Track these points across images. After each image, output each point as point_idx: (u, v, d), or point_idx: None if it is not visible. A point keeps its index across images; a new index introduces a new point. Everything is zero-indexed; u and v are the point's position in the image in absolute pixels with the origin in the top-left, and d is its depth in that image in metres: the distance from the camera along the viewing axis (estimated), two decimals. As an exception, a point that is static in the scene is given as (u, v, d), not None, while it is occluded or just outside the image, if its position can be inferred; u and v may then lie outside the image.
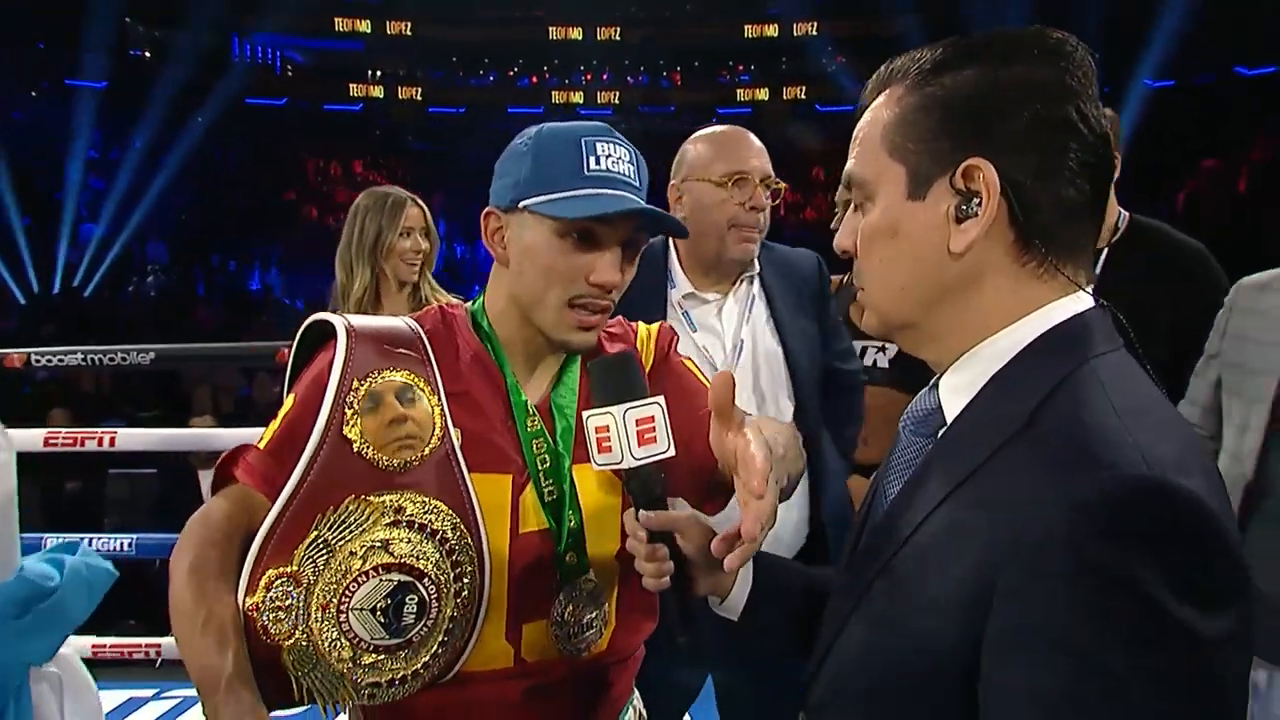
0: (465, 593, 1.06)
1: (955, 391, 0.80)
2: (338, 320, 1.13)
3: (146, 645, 2.74)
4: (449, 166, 22.40)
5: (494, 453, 1.12)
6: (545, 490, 1.14)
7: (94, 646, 2.73)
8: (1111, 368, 0.74)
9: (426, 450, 1.07)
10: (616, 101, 27.38)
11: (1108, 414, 0.69)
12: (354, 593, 1.02)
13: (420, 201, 2.64)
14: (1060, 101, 0.75)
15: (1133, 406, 0.70)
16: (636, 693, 1.29)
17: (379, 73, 27.59)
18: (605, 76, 28.59)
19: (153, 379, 7.08)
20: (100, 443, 2.74)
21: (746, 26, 27.56)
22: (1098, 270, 2.15)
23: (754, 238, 1.87)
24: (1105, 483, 0.64)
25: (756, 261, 1.93)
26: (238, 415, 5.84)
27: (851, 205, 0.86)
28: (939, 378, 0.83)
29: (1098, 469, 0.65)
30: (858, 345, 2.22)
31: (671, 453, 1.03)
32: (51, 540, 2.80)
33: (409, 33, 27.52)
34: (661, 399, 1.03)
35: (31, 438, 2.85)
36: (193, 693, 0.96)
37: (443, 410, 1.10)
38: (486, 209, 1.16)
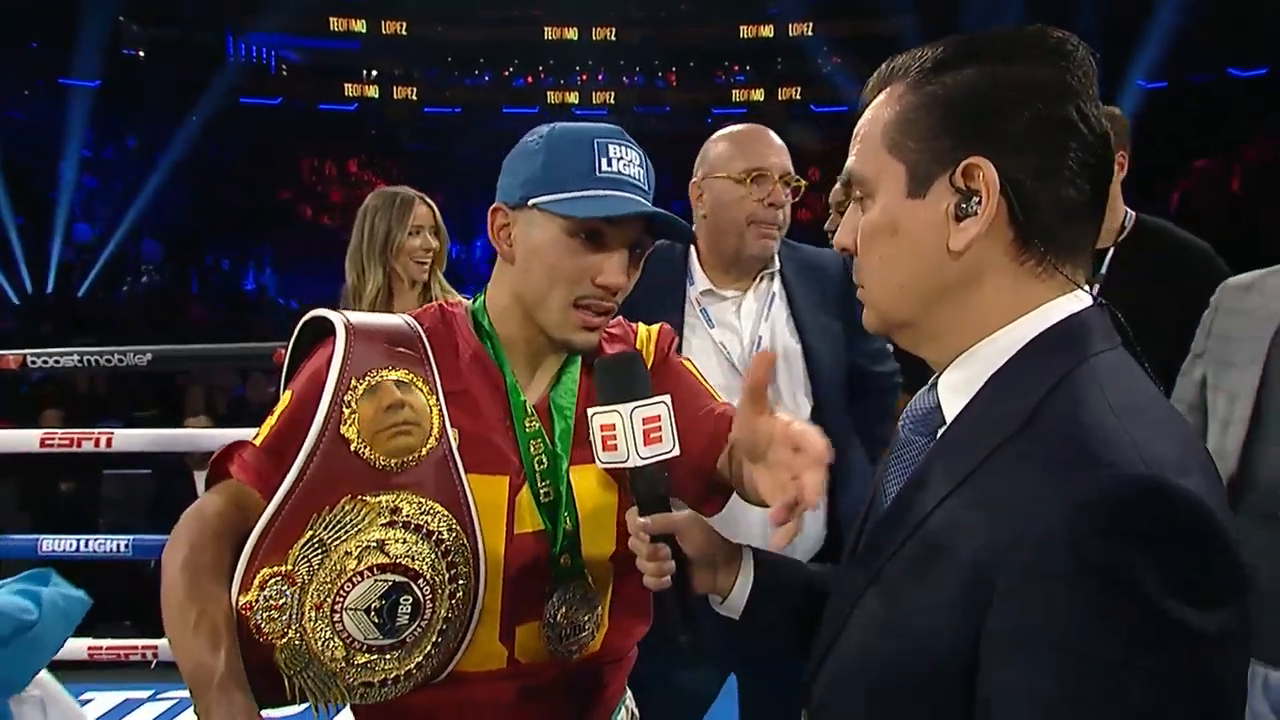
0: (460, 594, 1.06)
1: (954, 390, 0.80)
2: (336, 317, 1.13)
3: (143, 647, 2.73)
4: (444, 166, 22.36)
5: (492, 453, 1.12)
6: (541, 491, 1.14)
7: (90, 648, 2.73)
8: (1110, 366, 0.74)
9: (424, 451, 1.07)
10: (612, 102, 27.36)
11: (1106, 413, 0.69)
12: (348, 593, 1.02)
13: (429, 200, 2.64)
14: (1061, 101, 0.75)
15: (1131, 405, 0.71)
16: (629, 693, 1.29)
17: (374, 72, 27.53)
18: (601, 77, 28.56)
19: (148, 379, 7.06)
20: (97, 443, 2.73)
21: (742, 27, 27.54)
22: (1104, 269, 2.16)
23: (773, 234, 1.88)
24: (1104, 482, 0.64)
25: (777, 259, 1.94)
26: (233, 415, 5.83)
27: (851, 203, 0.86)
28: (938, 376, 0.84)
29: (1096, 468, 0.65)
30: None
31: (677, 452, 1.03)
32: (48, 542, 2.82)
33: (404, 32, 27.46)
34: (668, 398, 1.04)
35: (28, 438, 2.86)
36: (188, 694, 0.95)
37: (441, 410, 1.10)
38: (494, 205, 1.16)
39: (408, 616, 1.04)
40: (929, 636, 0.71)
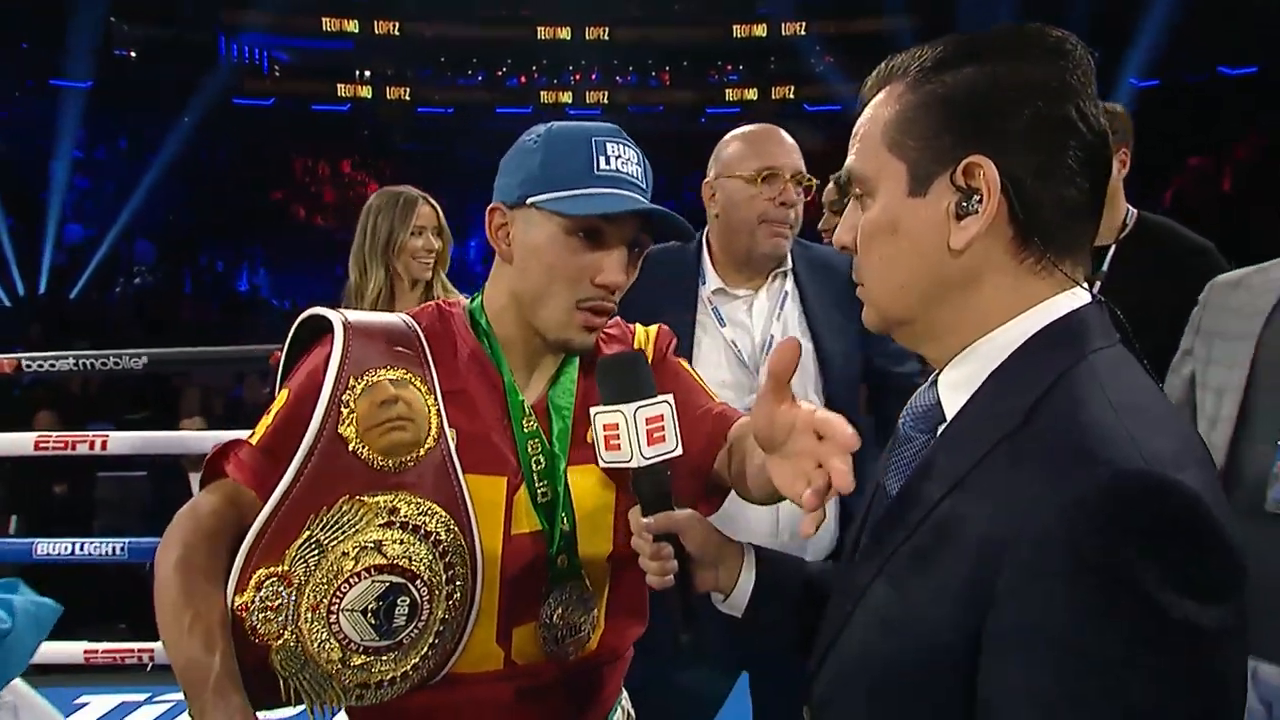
0: (457, 595, 1.06)
1: (954, 387, 0.80)
2: (334, 316, 1.12)
3: (139, 650, 2.72)
4: (437, 167, 22.34)
5: (489, 453, 1.11)
6: (539, 491, 1.13)
7: (86, 652, 2.71)
8: (1108, 363, 0.75)
9: (422, 451, 1.06)
10: (605, 101, 27.38)
11: (1105, 409, 0.69)
12: (345, 594, 1.01)
13: (432, 201, 2.64)
14: (1061, 100, 0.75)
15: (1129, 402, 0.71)
16: (625, 693, 1.29)
17: (367, 73, 27.50)
18: (594, 76, 28.59)
19: (142, 381, 7.03)
20: (92, 446, 2.72)
21: (735, 26, 27.60)
22: (1105, 267, 2.17)
23: (785, 233, 1.89)
24: (1102, 480, 0.64)
25: (790, 258, 1.95)
26: (228, 417, 5.82)
27: (851, 201, 0.86)
28: (938, 374, 0.84)
29: (1094, 466, 0.65)
30: None
31: (679, 452, 1.03)
32: (43, 546, 2.80)
33: (397, 33, 27.44)
34: (670, 398, 1.04)
35: (22, 441, 2.84)
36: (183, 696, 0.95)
37: (439, 410, 1.09)
38: (491, 204, 1.16)
39: (405, 618, 1.03)
40: (930, 633, 0.71)
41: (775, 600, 1.04)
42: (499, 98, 27.37)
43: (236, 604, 0.99)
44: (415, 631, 1.04)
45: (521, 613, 1.12)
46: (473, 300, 1.21)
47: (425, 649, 1.05)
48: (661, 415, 1.02)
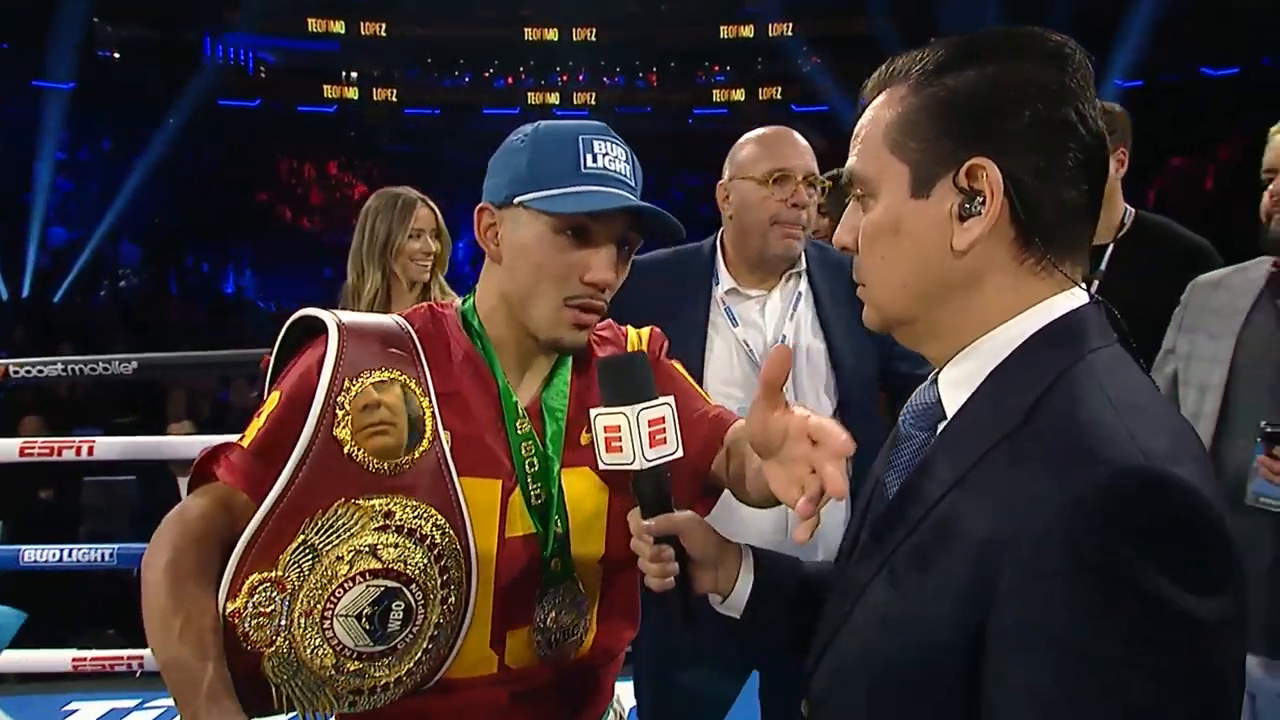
0: (452, 599, 1.05)
1: (955, 386, 0.81)
2: (328, 317, 1.10)
3: (129, 657, 2.70)
4: (425, 168, 22.28)
5: (484, 456, 1.11)
6: (533, 494, 1.13)
7: (74, 659, 2.70)
8: (1107, 362, 0.76)
9: (417, 453, 1.06)
10: (593, 102, 27.34)
11: (1103, 408, 0.70)
12: (339, 599, 1.00)
13: (431, 203, 2.63)
14: (1060, 102, 0.76)
15: (1127, 400, 0.72)
16: (617, 695, 1.28)
17: (353, 74, 27.37)
18: (581, 77, 28.55)
19: (129, 384, 6.98)
20: (79, 452, 2.70)
21: (722, 27, 27.61)
22: (1104, 266, 2.19)
23: (797, 234, 1.90)
24: (1102, 478, 0.65)
25: (804, 258, 1.96)
26: (216, 420, 5.78)
27: (851, 201, 0.87)
28: (938, 372, 0.84)
29: (1094, 464, 0.66)
30: None
31: (680, 454, 1.03)
32: (30, 553, 2.78)
33: (383, 33, 27.31)
34: (672, 399, 1.03)
35: (7, 448, 2.81)
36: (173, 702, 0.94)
37: (434, 412, 1.08)
38: (480, 204, 1.15)
39: (399, 622, 1.02)
40: (930, 632, 0.72)
41: (773, 601, 1.04)
42: (486, 99, 27.30)
43: (228, 610, 0.98)
44: (410, 636, 1.03)
45: (515, 616, 1.11)
46: (464, 302, 1.21)
47: (419, 654, 1.05)
48: (663, 417, 1.01)
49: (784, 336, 1.90)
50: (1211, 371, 1.79)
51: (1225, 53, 18.28)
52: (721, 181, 1.98)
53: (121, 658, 2.71)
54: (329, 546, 1.01)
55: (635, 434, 0.99)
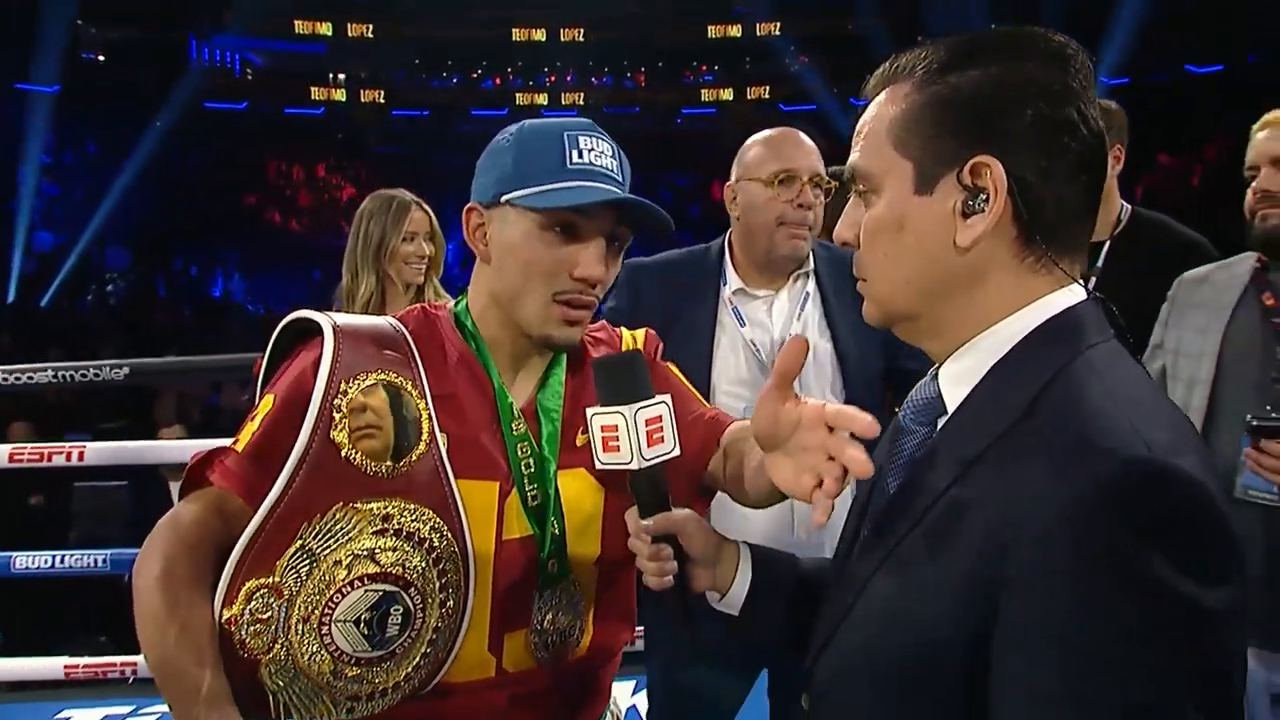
0: (450, 603, 1.05)
1: (955, 381, 0.82)
2: (323, 319, 1.10)
3: (122, 664, 2.69)
4: (413, 169, 22.24)
5: (481, 458, 1.10)
6: (529, 495, 1.12)
7: (66, 667, 2.68)
8: (1105, 357, 0.77)
9: (415, 456, 1.05)
10: (581, 103, 27.31)
11: (1105, 401, 0.71)
12: (338, 604, 0.99)
13: (425, 205, 2.63)
14: (1062, 102, 0.77)
15: (1127, 394, 0.73)
16: (614, 696, 1.28)
17: (341, 76, 27.26)
18: (569, 78, 28.52)
19: (118, 388, 6.94)
20: (69, 458, 2.69)
21: (710, 27, 27.62)
22: (1100, 263, 2.21)
23: (803, 235, 1.91)
24: (1107, 470, 0.65)
25: (812, 259, 1.98)
26: (206, 424, 5.75)
27: (853, 197, 0.87)
28: (938, 367, 0.85)
29: (1098, 456, 0.66)
30: None
31: (678, 452, 1.03)
32: (21, 559, 2.76)
33: (370, 35, 27.22)
34: (668, 398, 1.03)
35: (-2, 455, 2.80)
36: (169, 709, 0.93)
37: (430, 414, 1.08)
38: (468, 205, 1.15)
39: (398, 627, 1.02)
40: (930, 628, 0.72)
41: (771, 597, 1.05)
42: (474, 100, 27.23)
43: (225, 617, 0.97)
44: (408, 641, 1.03)
45: (512, 619, 1.11)
46: (457, 303, 1.21)
47: (418, 658, 1.04)
48: (660, 416, 1.01)
49: (791, 336, 1.91)
50: (1199, 366, 1.81)
51: (1210, 51, 18.40)
52: (729, 183, 2.00)
53: (114, 664, 2.70)
54: (327, 551, 1.00)
55: (633, 433, 0.99)
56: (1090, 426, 0.69)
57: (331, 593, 0.99)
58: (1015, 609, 0.67)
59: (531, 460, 1.13)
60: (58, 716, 2.77)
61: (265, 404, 1.08)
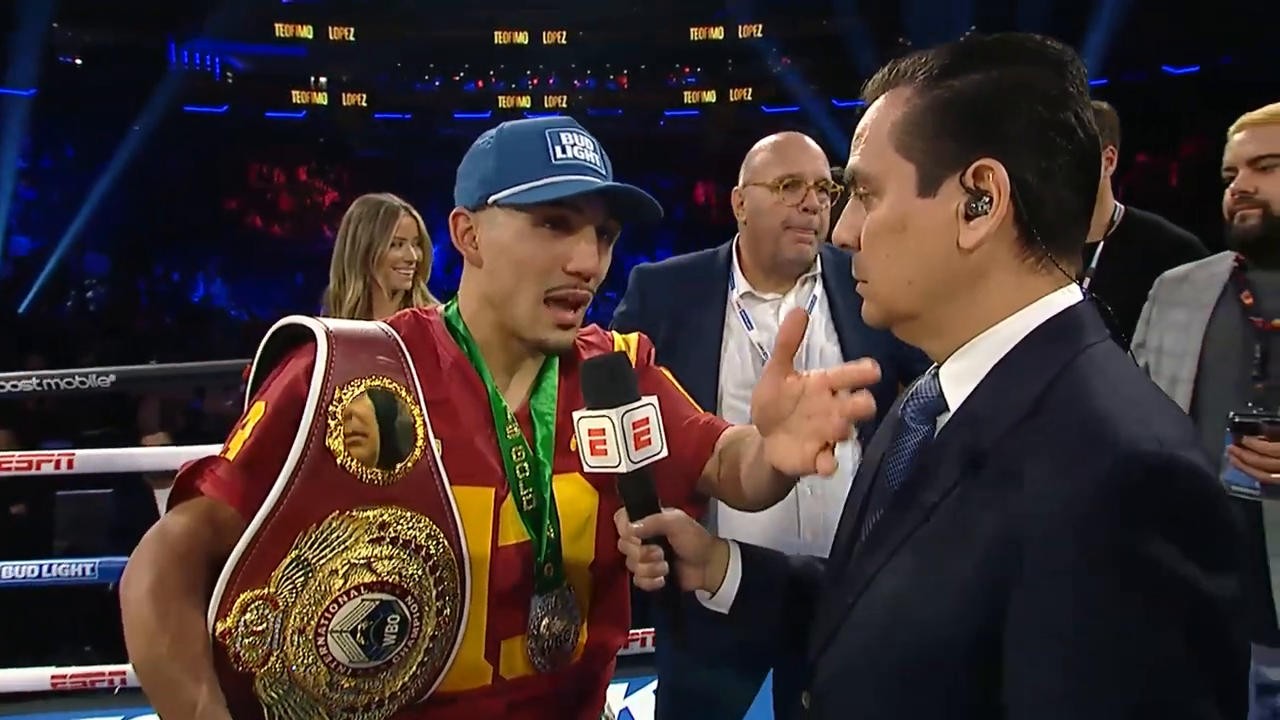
0: (447, 610, 1.04)
1: (958, 380, 0.83)
2: (316, 325, 1.09)
3: (110, 674, 2.65)
4: (395, 173, 22.12)
5: (476, 463, 1.10)
6: (524, 500, 1.12)
7: (53, 677, 2.65)
8: (1103, 356, 0.78)
9: (410, 462, 1.04)
10: (564, 105, 27.23)
11: (1110, 397, 0.72)
12: (334, 615, 0.98)
13: (414, 211, 2.63)
14: (1061, 106, 0.79)
15: (1130, 391, 0.74)
16: (609, 700, 1.29)
17: (322, 79, 27.08)
18: (552, 80, 28.46)
19: (99, 395, 6.85)
20: (57, 465, 2.66)
21: (693, 29, 27.64)
22: (1094, 263, 2.23)
23: (809, 239, 1.93)
24: (1115, 464, 0.67)
25: (819, 262, 1.99)
26: (190, 430, 5.69)
27: (853, 199, 0.88)
28: (939, 365, 0.86)
29: (1107, 451, 0.67)
30: None
31: (665, 453, 1.03)
32: (7, 569, 2.73)
33: (352, 38, 27.05)
34: (655, 399, 1.04)
35: (-16, 464, 2.76)
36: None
37: (424, 420, 1.07)
38: (455, 210, 1.14)
39: (395, 636, 1.01)
40: (935, 626, 0.73)
41: (762, 595, 1.06)
42: (457, 103, 27.10)
43: (219, 630, 0.96)
44: (405, 650, 1.02)
45: (509, 625, 1.11)
46: (448, 308, 1.20)
47: (414, 667, 1.03)
48: (647, 418, 1.02)
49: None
50: (1181, 365, 1.84)
51: (1187, 52, 18.62)
52: (736, 188, 2.02)
53: (102, 674, 2.66)
54: (323, 561, 0.99)
55: (620, 436, 0.99)
56: (1100, 422, 0.70)
57: (328, 603, 0.98)
58: (1025, 608, 0.68)
59: (526, 464, 1.13)
60: (46, 728, 2.75)
61: (256, 411, 1.06)
